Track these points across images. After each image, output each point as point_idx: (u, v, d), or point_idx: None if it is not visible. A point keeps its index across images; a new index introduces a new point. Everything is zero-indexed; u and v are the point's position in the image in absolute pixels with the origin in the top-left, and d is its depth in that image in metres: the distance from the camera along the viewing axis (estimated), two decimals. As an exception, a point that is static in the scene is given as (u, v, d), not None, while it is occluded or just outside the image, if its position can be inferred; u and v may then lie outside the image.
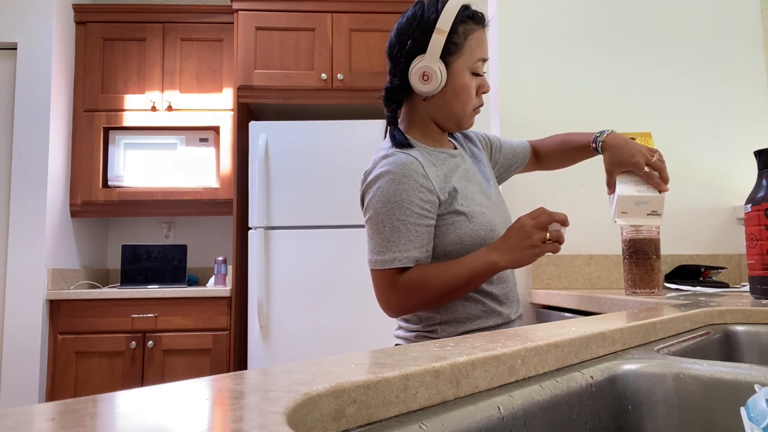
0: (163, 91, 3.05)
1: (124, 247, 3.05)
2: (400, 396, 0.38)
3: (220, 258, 2.91)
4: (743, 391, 0.53)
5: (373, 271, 1.08)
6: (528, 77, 1.95)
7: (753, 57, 2.02)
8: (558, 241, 1.03)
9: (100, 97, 3.03)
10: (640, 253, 1.30)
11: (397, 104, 1.17)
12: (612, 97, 1.97)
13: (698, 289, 1.55)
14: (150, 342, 2.68)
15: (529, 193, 1.90)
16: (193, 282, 3.17)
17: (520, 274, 1.87)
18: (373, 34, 2.90)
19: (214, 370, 2.70)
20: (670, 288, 1.63)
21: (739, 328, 0.92)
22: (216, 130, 3.11)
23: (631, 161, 1.25)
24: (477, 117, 1.53)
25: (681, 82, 1.99)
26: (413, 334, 1.14)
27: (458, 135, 1.29)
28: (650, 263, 1.29)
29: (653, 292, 1.29)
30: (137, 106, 3.04)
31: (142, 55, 3.06)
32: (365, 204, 1.10)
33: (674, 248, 1.93)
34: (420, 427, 0.37)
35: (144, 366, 2.68)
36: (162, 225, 3.37)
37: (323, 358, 0.44)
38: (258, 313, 2.55)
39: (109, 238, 3.38)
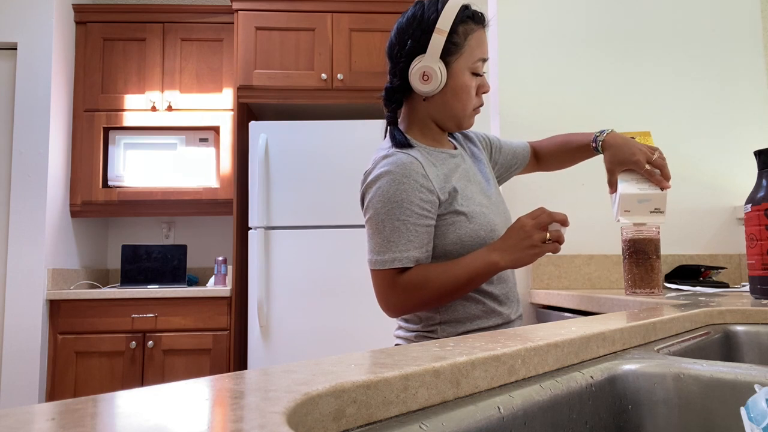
0: (163, 91, 3.05)
1: (124, 247, 3.05)
2: (400, 396, 0.38)
3: (220, 258, 2.91)
4: (743, 391, 0.53)
5: (373, 271, 1.08)
6: (528, 77, 1.95)
7: (753, 57, 2.02)
8: (558, 241, 1.03)
9: (100, 97, 3.03)
10: (640, 253, 1.30)
11: (397, 104, 1.17)
12: (612, 97, 1.97)
13: (698, 289, 1.55)
14: (150, 342, 2.68)
15: (529, 193, 1.90)
16: (193, 282, 3.17)
17: (520, 274, 1.87)
18: (373, 34, 2.90)
19: (214, 370, 2.70)
20: (670, 288, 1.63)
21: (739, 328, 0.92)
22: (216, 130, 3.11)
23: (631, 159, 1.25)
24: (477, 117, 1.53)
25: (681, 82, 1.99)
26: (413, 334, 1.14)
27: (458, 135, 1.29)
28: (650, 263, 1.29)
29: (653, 292, 1.29)
30: (137, 106, 3.04)
31: (142, 55, 3.06)
32: (365, 204, 1.10)
33: (674, 248, 1.93)
34: (420, 427, 0.37)
35: (144, 366, 2.68)
36: (162, 225, 3.37)
37: (323, 358, 0.44)
38: (258, 313, 2.55)
39: (109, 238, 3.38)
